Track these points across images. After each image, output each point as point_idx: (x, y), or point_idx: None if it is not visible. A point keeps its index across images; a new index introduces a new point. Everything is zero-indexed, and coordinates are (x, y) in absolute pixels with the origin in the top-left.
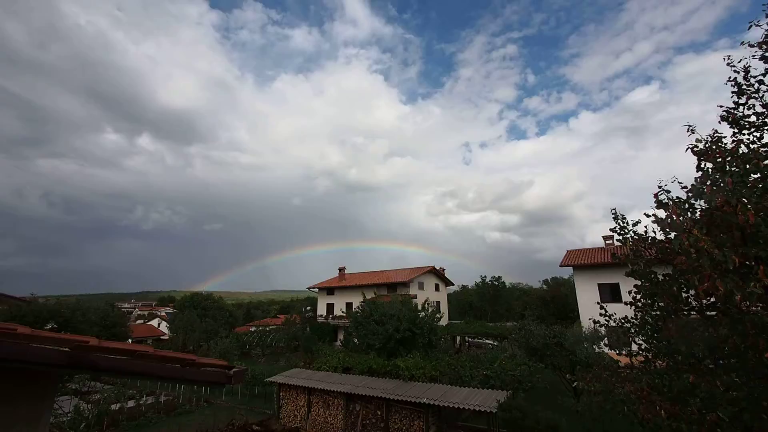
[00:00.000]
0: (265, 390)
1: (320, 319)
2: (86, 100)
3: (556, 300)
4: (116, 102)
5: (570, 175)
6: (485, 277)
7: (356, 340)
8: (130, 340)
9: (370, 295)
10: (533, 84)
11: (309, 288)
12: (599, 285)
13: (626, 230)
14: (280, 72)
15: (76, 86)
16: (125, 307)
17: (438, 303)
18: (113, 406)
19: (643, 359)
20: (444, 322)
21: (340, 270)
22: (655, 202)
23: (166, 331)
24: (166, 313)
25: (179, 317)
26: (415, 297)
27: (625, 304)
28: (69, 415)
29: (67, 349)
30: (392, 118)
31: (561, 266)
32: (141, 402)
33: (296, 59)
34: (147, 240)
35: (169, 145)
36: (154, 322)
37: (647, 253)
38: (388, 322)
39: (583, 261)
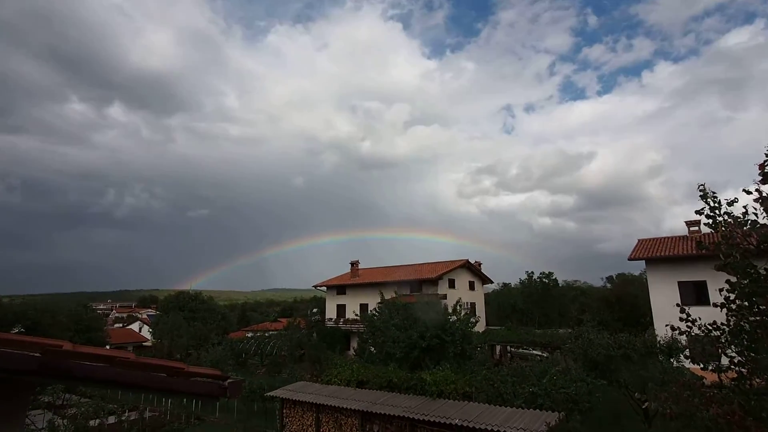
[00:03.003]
0: (265, 406)
1: (329, 324)
2: (45, 62)
3: (623, 302)
4: (81, 65)
5: (642, 145)
6: (532, 273)
7: (373, 349)
8: (107, 347)
9: (389, 295)
10: (595, 28)
11: (315, 286)
12: (680, 283)
13: (718, 212)
14: (274, 22)
15: (32, 46)
16: (101, 309)
17: (473, 305)
18: (92, 422)
19: (735, 376)
20: (480, 327)
21: (352, 264)
22: (759, 174)
23: (148, 336)
24: (147, 315)
25: (163, 320)
26: (444, 297)
27: (714, 306)
28: (43, 431)
29: (37, 355)
30: (414, 76)
31: (630, 259)
32: (123, 418)
33: (293, 5)
34: (122, 229)
35: (144, 116)
36: (135, 326)
37: (746, 242)
38: (411, 327)
39: (659, 253)
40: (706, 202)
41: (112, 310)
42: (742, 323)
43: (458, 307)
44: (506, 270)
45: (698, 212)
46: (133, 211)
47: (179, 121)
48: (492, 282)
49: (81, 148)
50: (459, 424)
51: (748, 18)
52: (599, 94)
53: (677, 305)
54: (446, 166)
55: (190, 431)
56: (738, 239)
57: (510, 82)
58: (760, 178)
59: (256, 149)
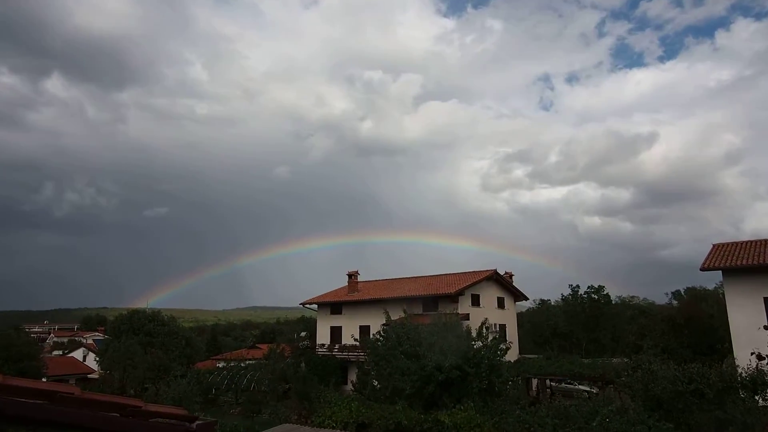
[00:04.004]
0: None
1: (321, 351)
2: None
3: (694, 323)
4: (11, 28)
5: (717, 123)
6: (577, 287)
7: (376, 383)
8: (44, 379)
9: (396, 315)
10: None
11: (303, 304)
12: (767, 299)
13: None
14: None
15: None
16: (35, 332)
17: (503, 327)
18: None
19: None
20: (512, 356)
21: (350, 276)
22: None
23: (94, 366)
24: (93, 340)
25: (113, 346)
26: (466, 317)
27: None
28: None
29: None
30: (427, 39)
31: (702, 269)
32: None
33: None
34: (62, 232)
35: (90, 91)
36: (78, 354)
37: None
38: (425, 355)
39: (739, 261)
40: None
41: (49, 334)
42: None
43: (484, 330)
44: (544, 283)
45: None
46: (76, 209)
47: (133, 97)
48: (527, 298)
49: (11, 130)
50: None
51: None
52: (661, 60)
53: (764, 328)
54: (467, 151)
55: None
56: None
57: (548, 46)
58: None
59: (228, 132)
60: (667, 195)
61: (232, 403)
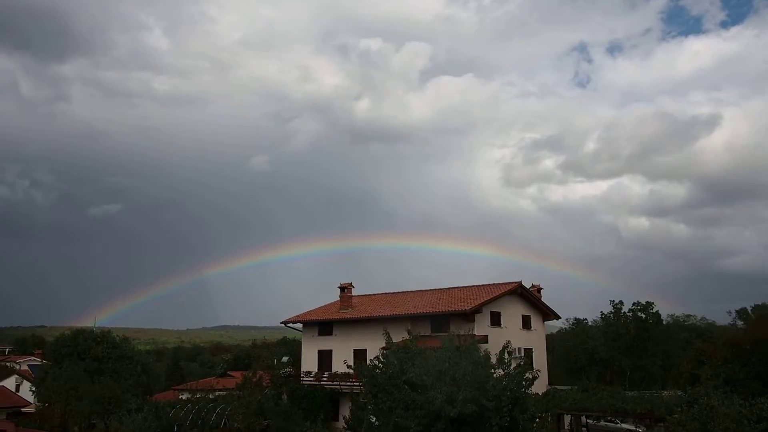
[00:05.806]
0: None
1: (307, 380)
2: None
3: (764, 348)
4: None
5: None
6: (620, 303)
7: (374, 419)
8: None
9: (399, 336)
10: None
11: (286, 323)
12: None
13: None
14: None
15: None
16: None
17: (529, 351)
18: None
19: None
20: (540, 387)
21: (342, 289)
22: None
23: (30, 398)
24: (29, 366)
25: (53, 374)
26: (484, 340)
27: None
28: None
29: None
30: (436, 0)
31: None
32: None
33: None
34: None
35: (24, 62)
36: (9, 382)
37: None
38: (433, 386)
39: None
40: None
41: None
42: None
43: (506, 356)
44: (580, 299)
45: None
46: (7, 207)
47: (77, 69)
48: (558, 317)
49: None
50: None
51: None
52: (724, 25)
53: None
54: (485, 137)
55: None
56: None
57: (585, 9)
58: None
59: (194, 113)
60: (731, 191)
61: None
